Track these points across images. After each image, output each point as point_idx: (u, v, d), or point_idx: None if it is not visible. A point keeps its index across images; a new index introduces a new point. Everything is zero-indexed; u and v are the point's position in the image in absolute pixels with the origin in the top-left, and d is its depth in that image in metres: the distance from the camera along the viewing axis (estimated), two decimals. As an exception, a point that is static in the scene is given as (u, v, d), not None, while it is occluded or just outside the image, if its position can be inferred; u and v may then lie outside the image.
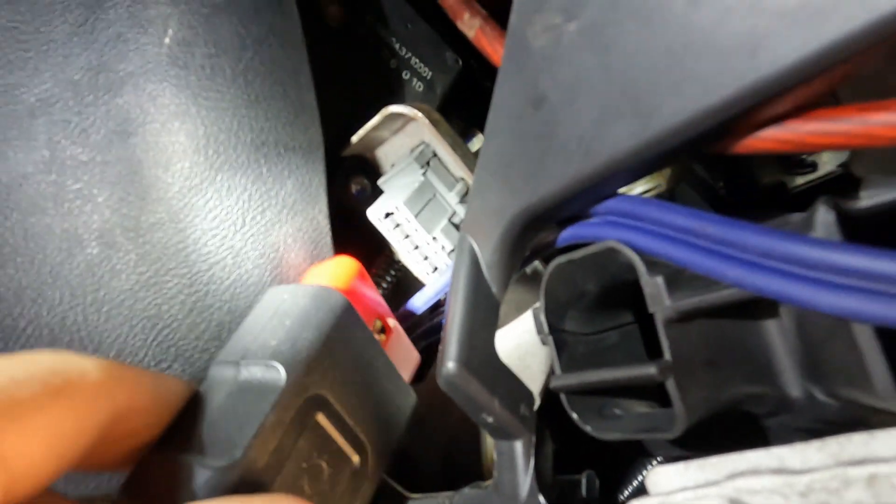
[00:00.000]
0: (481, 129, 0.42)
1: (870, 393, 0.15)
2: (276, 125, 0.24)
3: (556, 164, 0.19)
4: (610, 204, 0.19)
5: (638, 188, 0.32)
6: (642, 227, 0.19)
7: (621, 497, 0.30)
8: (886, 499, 0.13)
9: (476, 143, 0.39)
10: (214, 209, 0.24)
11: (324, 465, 0.19)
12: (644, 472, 0.31)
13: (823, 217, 0.15)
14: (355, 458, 0.20)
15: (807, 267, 0.14)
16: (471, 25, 0.22)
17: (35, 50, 0.24)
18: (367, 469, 0.20)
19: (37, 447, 0.13)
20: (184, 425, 0.18)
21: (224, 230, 0.24)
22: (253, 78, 0.24)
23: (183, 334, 0.24)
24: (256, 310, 0.21)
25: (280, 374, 0.18)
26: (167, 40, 0.24)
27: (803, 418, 0.19)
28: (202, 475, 0.16)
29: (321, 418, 0.19)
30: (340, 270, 0.23)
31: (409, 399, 0.22)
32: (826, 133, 0.15)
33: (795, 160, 0.33)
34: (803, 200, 0.30)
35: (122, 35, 0.24)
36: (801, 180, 0.34)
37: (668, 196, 0.35)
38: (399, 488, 0.27)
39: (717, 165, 0.37)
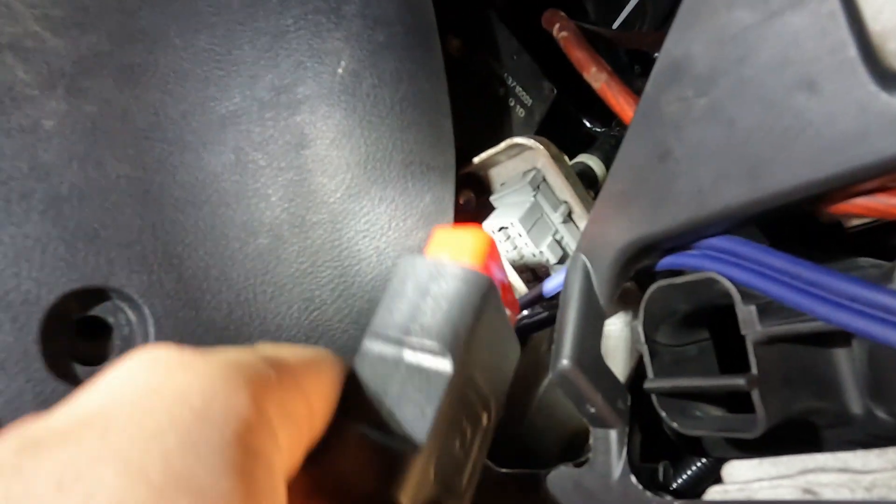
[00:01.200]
0: (566, 150, 0.46)
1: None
2: (422, 148, 0.29)
3: (673, 208, 0.23)
4: (712, 241, 0.24)
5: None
6: (740, 264, 0.23)
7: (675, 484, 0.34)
8: (934, 495, 0.18)
9: (561, 164, 0.43)
10: (367, 215, 0.28)
11: (467, 427, 0.22)
12: (693, 468, 0.35)
13: (902, 274, 0.19)
14: (485, 418, 0.23)
15: (887, 312, 0.18)
16: (597, 79, 0.27)
17: (227, 69, 0.28)
18: (491, 424, 0.24)
19: (320, 401, 0.17)
20: (360, 399, 0.20)
21: (373, 233, 0.28)
22: (406, 107, 0.29)
23: (329, 317, 0.29)
24: (398, 282, 0.22)
25: (448, 366, 0.20)
26: (340, 70, 0.28)
27: (859, 432, 0.23)
28: (389, 456, 0.18)
29: (469, 392, 0.22)
30: (478, 245, 0.23)
31: (517, 353, 0.25)
32: (909, 208, 0.19)
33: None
34: (857, 240, 0.34)
35: (302, 63, 0.28)
36: (856, 221, 0.38)
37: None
38: (490, 464, 0.32)
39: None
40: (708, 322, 0.29)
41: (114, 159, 0.26)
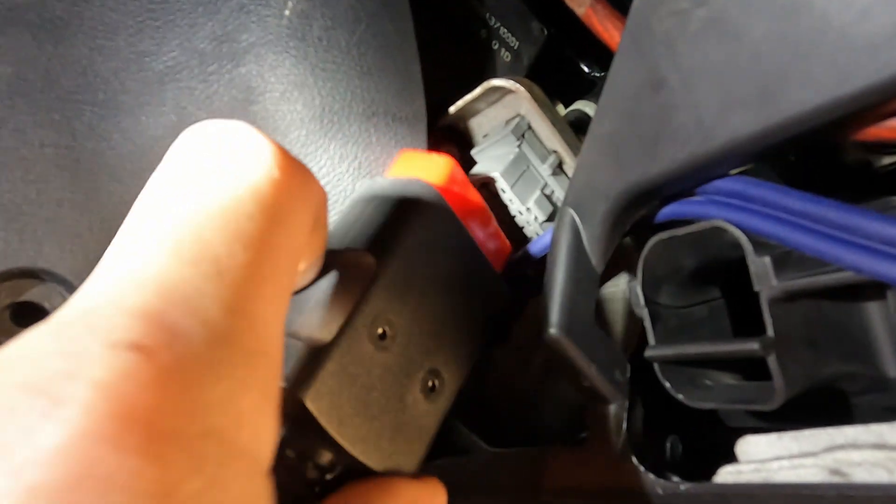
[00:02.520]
0: (561, 98, 0.42)
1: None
2: (386, 96, 0.26)
3: (671, 145, 0.19)
4: (719, 184, 0.20)
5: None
6: (750, 209, 0.19)
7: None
8: None
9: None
10: (327, 175, 0.25)
11: (410, 383, 0.19)
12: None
13: (950, 209, 0.16)
14: (433, 380, 0.20)
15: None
16: (580, 3, 0.23)
17: (163, 19, 0.25)
18: (445, 388, 0.21)
19: None
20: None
21: (335, 196, 0.25)
22: (365, 50, 0.25)
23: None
24: (349, 205, 0.22)
25: (370, 259, 0.19)
26: (287, 12, 0.25)
27: (896, 398, 0.20)
28: (302, 354, 0.17)
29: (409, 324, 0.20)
30: (433, 166, 0.23)
31: (499, 299, 0.23)
32: (959, 126, 0.15)
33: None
34: (891, 180, 0.30)
35: (244, 6, 0.25)
36: (888, 160, 0.34)
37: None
38: (480, 443, 0.29)
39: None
40: (720, 278, 0.25)
41: (36, 126, 0.23)
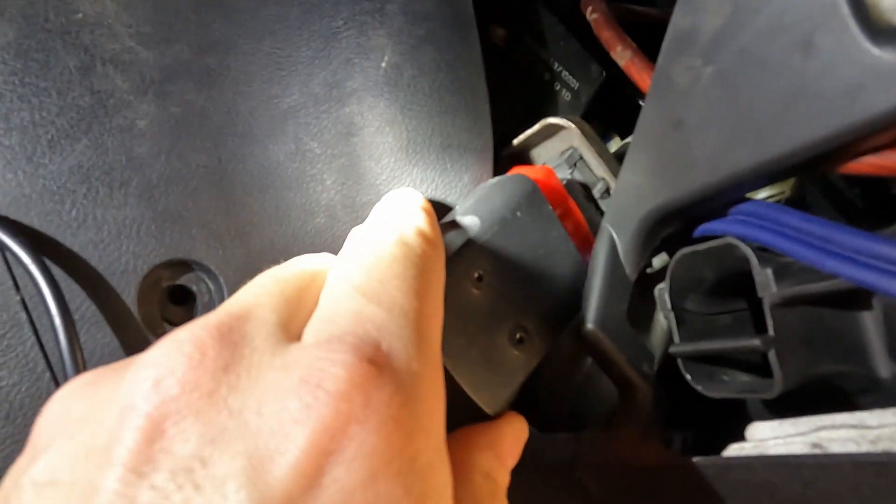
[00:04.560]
0: (618, 132, 0.46)
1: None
2: (460, 131, 0.31)
3: (687, 174, 0.24)
4: (741, 206, 0.24)
5: (762, 193, 0.36)
6: (764, 226, 0.23)
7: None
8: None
9: (613, 145, 0.43)
10: (410, 194, 0.31)
11: (498, 330, 0.24)
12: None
13: (906, 228, 0.19)
14: (522, 334, 0.25)
15: (889, 262, 0.18)
16: (622, 56, 0.28)
17: (287, 69, 0.32)
18: (532, 347, 0.25)
19: None
20: None
21: (415, 211, 0.31)
22: (444, 94, 0.31)
23: (379, 288, 0.32)
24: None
25: (476, 221, 0.24)
26: (383, 64, 0.31)
27: (891, 397, 0.23)
28: None
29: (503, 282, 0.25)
30: (535, 171, 0.30)
31: (580, 280, 0.27)
32: (915, 163, 0.19)
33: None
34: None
35: (350, 60, 0.31)
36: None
37: (795, 201, 0.38)
38: (531, 427, 0.33)
39: (853, 176, 0.39)
40: (743, 291, 0.29)
41: (194, 151, 0.30)
